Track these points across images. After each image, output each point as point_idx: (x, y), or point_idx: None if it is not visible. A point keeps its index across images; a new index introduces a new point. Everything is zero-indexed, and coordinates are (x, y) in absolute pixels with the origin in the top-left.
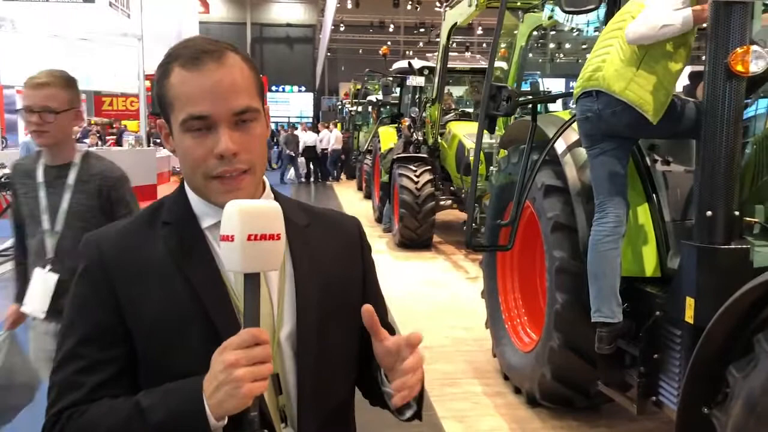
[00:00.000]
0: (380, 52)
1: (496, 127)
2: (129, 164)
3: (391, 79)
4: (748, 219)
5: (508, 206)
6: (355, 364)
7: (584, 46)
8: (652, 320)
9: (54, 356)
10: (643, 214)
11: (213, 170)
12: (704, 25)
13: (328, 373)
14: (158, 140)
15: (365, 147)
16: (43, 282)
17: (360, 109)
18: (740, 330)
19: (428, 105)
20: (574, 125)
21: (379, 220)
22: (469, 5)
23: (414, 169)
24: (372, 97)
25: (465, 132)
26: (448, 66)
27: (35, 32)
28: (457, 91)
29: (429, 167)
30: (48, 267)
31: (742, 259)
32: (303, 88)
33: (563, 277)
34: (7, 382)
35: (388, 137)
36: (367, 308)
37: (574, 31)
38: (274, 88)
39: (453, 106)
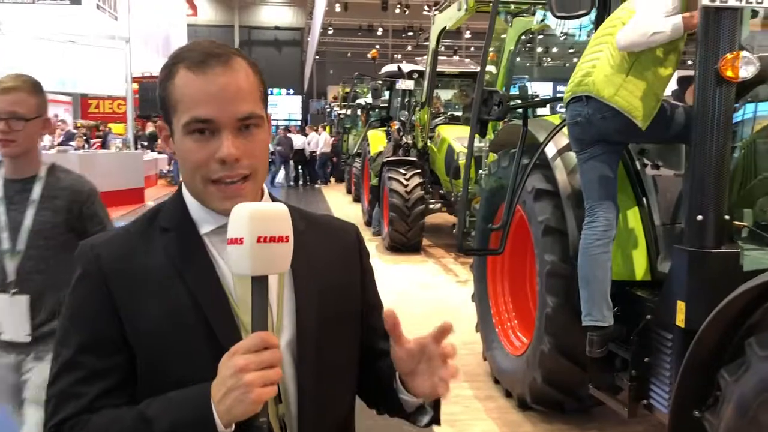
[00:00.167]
0: (369, 55)
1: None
2: (116, 167)
3: (380, 82)
4: (737, 223)
5: (498, 210)
6: (356, 371)
7: (571, 50)
8: (642, 324)
9: (50, 366)
10: (633, 218)
11: (213, 174)
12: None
13: (328, 380)
14: (145, 143)
15: (354, 150)
16: (11, 306)
17: (349, 112)
18: (731, 334)
19: (417, 108)
20: (564, 129)
21: (368, 223)
22: (459, 9)
23: (404, 172)
24: (361, 100)
25: (454, 136)
26: (437, 70)
27: (21, 34)
28: (445, 94)
29: (419, 171)
30: (12, 291)
31: (732, 263)
32: (291, 91)
33: (554, 281)
34: None
35: (378, 140)
36: (390, 312)
37: (561, 35)
38: None
39: (442, 110)
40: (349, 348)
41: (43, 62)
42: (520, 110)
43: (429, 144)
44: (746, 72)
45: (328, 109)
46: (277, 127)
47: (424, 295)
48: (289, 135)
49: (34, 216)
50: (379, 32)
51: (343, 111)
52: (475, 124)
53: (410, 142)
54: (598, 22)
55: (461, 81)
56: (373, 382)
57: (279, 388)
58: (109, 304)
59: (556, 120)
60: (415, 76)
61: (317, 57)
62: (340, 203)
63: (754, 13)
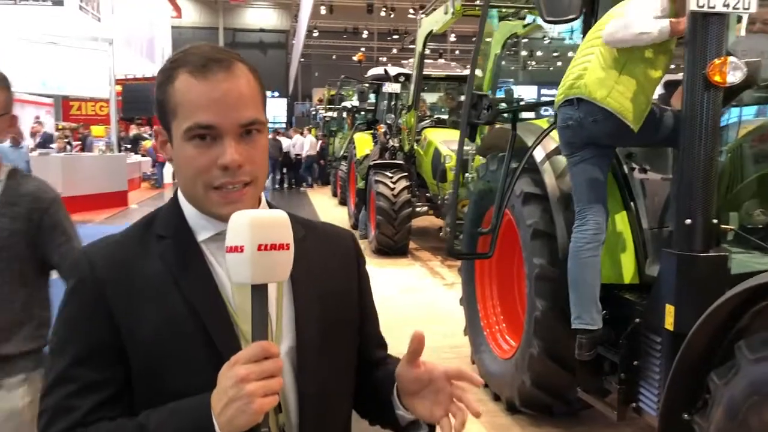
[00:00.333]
0: (355, 58)
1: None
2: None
3: (366, 85)
4: (724, 226)
5: (486, 213)
6: (354, 379)
7: (555, 54)
8: (631, 327)
9: (44, 377)
10: (621, 221)
11: (215, 181)
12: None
13: (329, 389)
14: (129, 146)
15: (341, 153)
16: None
17: (335, 115)
18: (720, 337)
19: (404, 111)
20: (552, 133)
21: (354, 226)
22: (445, 13)
23: (390, 175)
24: (347, 103)
25: (441, 139)
26: (424, 73)
27: (2, 35)
28: (431, 97)
29: (405, 174)
30: None
31: (720, 266)
32: (276, 94)
33: (543, 284)
34: None
35: (364, 143)
36: (418, 335)
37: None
38: None
39: (428, 113)
40: (348, 356)
41: (25, 63)
42: (506, 114)
43: (415, 147)
44: (734, 77)
45: (314, 112)
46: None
47: (411, 298)
48: (278, 138)
49: None
50: (365, 35)
51: (329, 114)
52: (465, 127)
53: (397, 145)
54: (585, 27)
55: (447, 84)
56: (369, 391)
57: (279, 397)
58: (105, 313)
59: (543, 124)
60: (402, 79)
61: (302, 59)
62: (325, 206)
63: (738, 19)
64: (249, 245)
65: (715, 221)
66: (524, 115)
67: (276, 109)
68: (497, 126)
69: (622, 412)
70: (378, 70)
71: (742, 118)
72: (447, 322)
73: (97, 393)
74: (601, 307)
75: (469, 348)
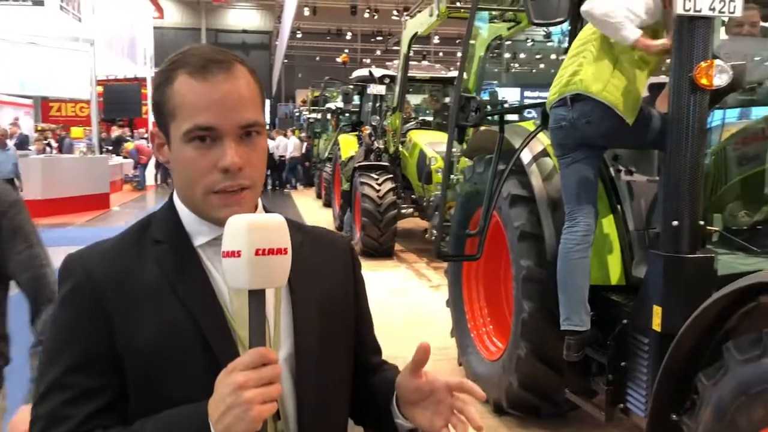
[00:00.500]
0: (339, 60)
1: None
2: (81, 172)
3: (351, 87)
4: (709, 228)
5: (473, 215)
6: (351, 385)
7: (538, 56)
8: (619, 328)
9: (35, 385)
10: (608, 223)
11: (216, 185)
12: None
13: (327, 395)
14: (110, 147)
15: (325, 155)
16: None
17: (319, 116)
18: (708, 339)
19: (389, 113)
20: (539, 135)
21: (340, 228)
22: (430, 15)
23: (376, 177)
24: (331, 105)
25: (426, 141)
26: (409, 75)
27: None
28: (414, 99)
29: (391, 176)
30: None
31: (707, 268)
32: None
33: (530, 286)
34: None
35: (349, 145)
36: (424, 346)
37: (528, 41)
38: None
39: (413, 115)
40: (346, 361)
41: (4, 64)
42: (493, 116)
43: (401, 149)
44: (720, 80)
45: (297, 113)
46: None
47: (397, 300)
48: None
49: None
50: (348, 36)
51: (313, 115)
52: (453, 129)
53: (382, 147)
54: (572, 30)
55: (432, 86)
56: (365, 397)
57: (278, 404)
58: (101, 320)
59: (530, 126)
60: (387, 80)
61: (286, 60)
62: (310, 208)
63: (723, 22)
64: (246, 250)
65: (701, 223)
66: (507, 117)
67: None
68: (483, 128)
69: (609, 413)
70: (363, 72)
71: (725, 120)
72: (433, 323)
73: (92, 401)
74: (589, 308)
75: (456, 350)
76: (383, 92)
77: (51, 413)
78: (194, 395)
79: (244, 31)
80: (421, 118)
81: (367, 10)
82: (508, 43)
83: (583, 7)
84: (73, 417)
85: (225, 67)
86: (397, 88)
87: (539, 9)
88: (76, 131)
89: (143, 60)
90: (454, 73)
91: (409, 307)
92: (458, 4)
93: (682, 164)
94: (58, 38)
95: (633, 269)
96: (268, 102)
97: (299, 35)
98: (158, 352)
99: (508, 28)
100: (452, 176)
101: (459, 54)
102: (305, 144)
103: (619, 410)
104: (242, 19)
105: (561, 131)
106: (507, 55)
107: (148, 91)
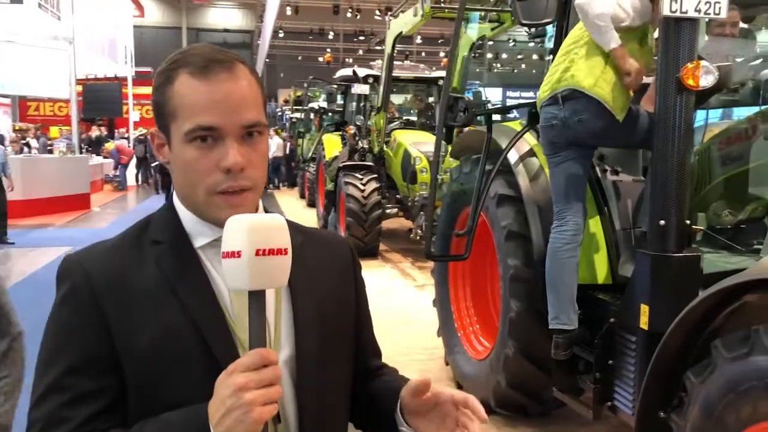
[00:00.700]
0: (323, 59)
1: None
2: (61, 172)
3: (335, 86)
4: (695, 227)
5: (459, 215)
6: (351, 387)
7: (520, 57)
8: (606, 327)
9: (32, 388)
10: (595, 223)
11: (218, 186)
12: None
13: (328, 397)
14: (90, 147)
15: (309, 155)
16: None
17: (302, 116)
18: (695, 337)
19: (373, 113)
20: (526, 135)
21: (324, 228)
22: (415, 15)
23: (360, 177)
24: (315, 104)
25: (410, 140)
26: (393, 75)
27: None
28: (398, 99)
29: (375, 175)
30: None
31: (693, 266)
32: None
33: (517, 285)
34: None
35: (333, 145)
36: (426, 380)
37: (511, 41)
38: None
39: (397, 115)
40: (347, 363)
41: None
42: (481, 116)
43: (385, 149)
44: (706, 81)
45: (279, 113)
46: None
47: (383, 300)
48: None
49: None
50: (330, 36)
51: (296, 115)
52: (441, 130)
53: (366, 146)
54: (558, 31)
55: (416, 86)
56: (365, 401)
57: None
58: (100, 322)
59: (517, 126)
60: (371, 80)
61: (268, 60)
62: (294, 208)
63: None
64: (246, 250)
65: (687, 222)
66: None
67: None
68: (469, 128)
69: (597, 411)
70: (347, 72)
71: (708, 121)
72: (419, 323)
73: (90, 403)
74: (577, 307)
75: (443, 349)
76: (367, 92)
77: (49, 415)
78: (194, 397)
79: (226, 30)
80: (405, 118)
81: (350, 10)
82: (491, 43)
83: (578, 1)
84: (72, 419)
85: (227, 67)
86: (382, 88)
87: (527, 10)
88: (53, 131)
89: (123, 59)
90: (438, 73)
91: (394, 307)
92: (442, 4)
93: (669, 164)
94: (37, 37)
95: (619, 268)
96: None
97: (281, 35)
98: (158, 353)
99: (492, 29)
100: (438, 176)
101: (442, 54)
102: (288, 144)
103: (607, 408)
104: (223, 18)
105: (552, 130)
106: (489, 56)
107: (129, 90)
